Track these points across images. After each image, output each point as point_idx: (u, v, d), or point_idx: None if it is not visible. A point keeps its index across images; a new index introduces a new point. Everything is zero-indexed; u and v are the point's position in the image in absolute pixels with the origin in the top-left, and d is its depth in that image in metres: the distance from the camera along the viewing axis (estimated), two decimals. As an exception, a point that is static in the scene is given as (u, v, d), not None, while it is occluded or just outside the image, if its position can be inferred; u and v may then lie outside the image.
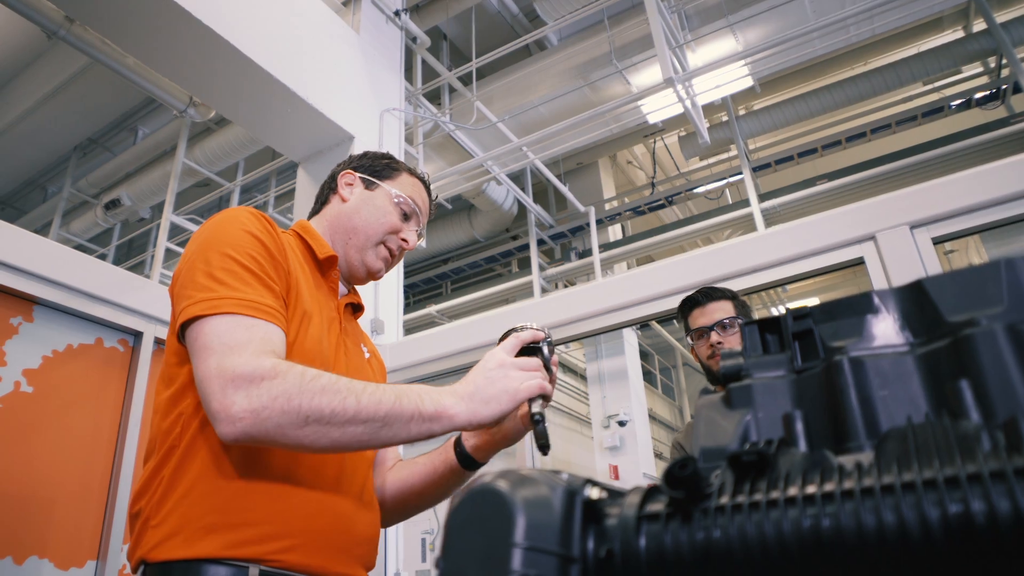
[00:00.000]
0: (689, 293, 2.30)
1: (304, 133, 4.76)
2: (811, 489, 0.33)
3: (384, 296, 4.62)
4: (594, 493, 0.39)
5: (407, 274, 9.50)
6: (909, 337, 0.48)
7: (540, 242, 8.32)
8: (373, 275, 1.46)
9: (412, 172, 1.54)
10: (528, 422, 1.20)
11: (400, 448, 1.54)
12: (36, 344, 3.04)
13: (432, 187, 1.61)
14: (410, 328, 7.40)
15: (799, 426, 0.43)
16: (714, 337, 2.10)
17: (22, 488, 2.82)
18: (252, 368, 1.01)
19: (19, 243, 3.01)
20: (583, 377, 9.55)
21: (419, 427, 1.06)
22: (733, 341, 2.07)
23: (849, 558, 0.31)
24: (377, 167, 1.51)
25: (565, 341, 3.88)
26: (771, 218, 7.00)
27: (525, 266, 8.89)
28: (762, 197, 7.07)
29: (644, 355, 10.43)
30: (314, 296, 1.30)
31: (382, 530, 1.36)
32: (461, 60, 7.22)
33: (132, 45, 4.08)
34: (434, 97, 7.14)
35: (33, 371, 2.98)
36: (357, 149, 4.76)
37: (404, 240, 1.46)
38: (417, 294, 10.23)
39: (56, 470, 2.94)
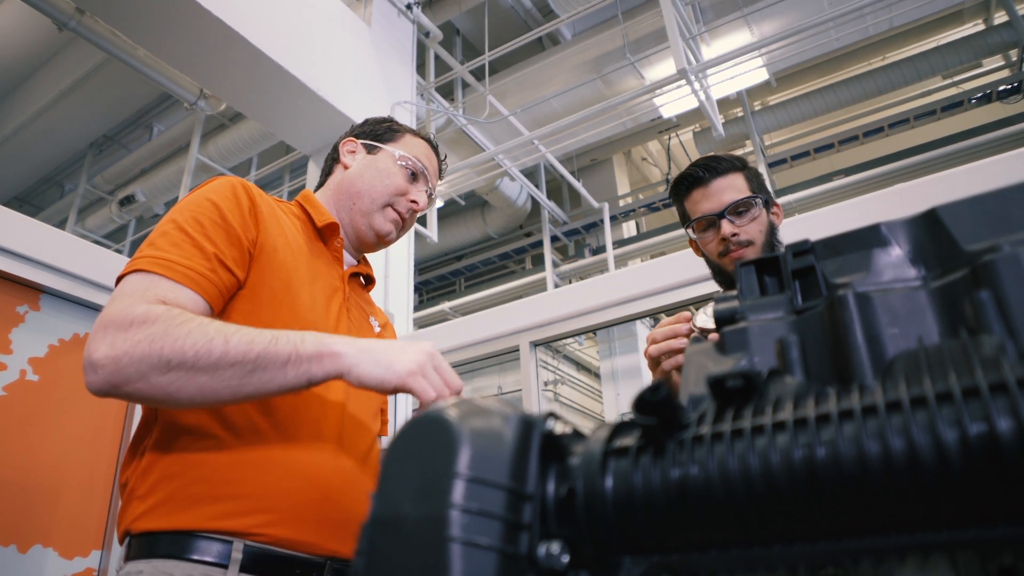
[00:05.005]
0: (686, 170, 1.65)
1: (314, 125, 4.74)
2: (803, 412, 0.28)
3: (394, 289, 4.59)
4: (557, 428, 0.34)
5: (420, 271, 9.49)
6: (922, 270, 0.43)
7: (554, 239, 8.27)
8: (382, 239, 1.40)
9: (416, 133, 1.48)
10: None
11: None
12: (42, 333, 3.02)
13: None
14: (423, 325, 7.38)
15: (795, 352, 0.38)
16: (726, 228, 1.52)
17: (27, 477, 2.80)
18: (124, 314, 0.95)
19: (26, 231, 3.00)
20: (596, 375, 9.49)
21: (296, 370, 0.96)
22: (752, 230, 1.52)
23: (849, 492, 0.26)
24: (379, 131, 1.46)
25: (576, 333, 3.83)
26: (788, 214, 6.91)
27: (539, 263, 8.83)
28: (778, 193, 6.98)
29: (658, 354, 10.32)
30: (310, 265, 1.25)
31: None
32: (474, 55, 7.18)
33: (142, 37, 4.07)
34: (447, 92, 7.10)
35: (39, 360, 2.97)
36: (367, 142, 4.74)
37: (413, 201, 1.40)
38: (431, 291, 10.21)
39: (61, 459, 2.93)
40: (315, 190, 1.46)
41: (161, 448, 1.08)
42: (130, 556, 1.05)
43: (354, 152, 1.44)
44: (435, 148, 1.50)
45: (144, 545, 1.03)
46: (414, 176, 1.41)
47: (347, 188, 1.39)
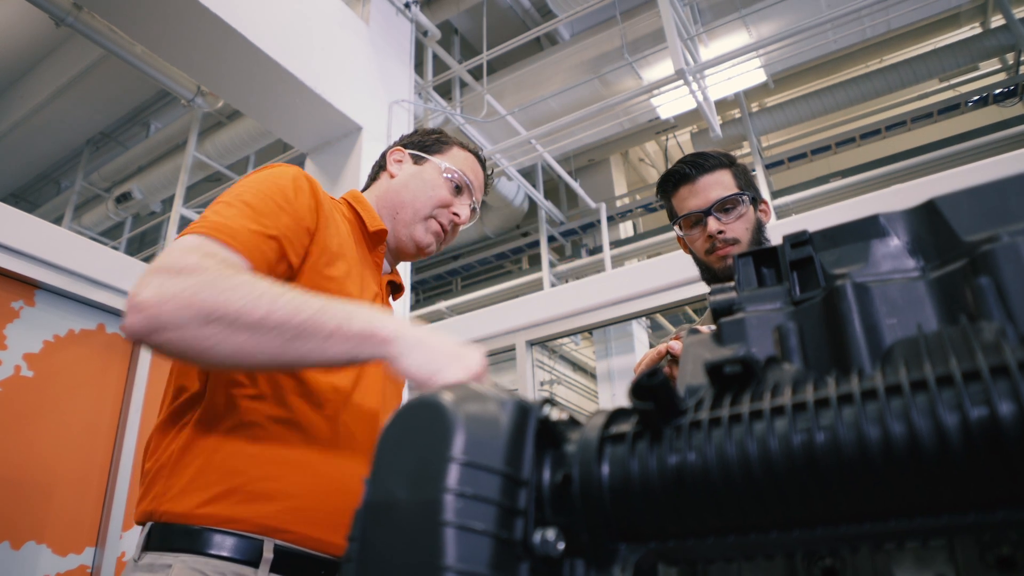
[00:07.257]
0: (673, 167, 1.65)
1: (312, 123, 4.73)
2: (802, 397, 0.28)
3: (390, 288, 4.58)
4: (553, 414, 0.33)
5: (417, 270, 9.48)
6: (921, 261, 0.42)
7: (551, 239, 8.26)
8: (422, 250, 1.40)
9: (464, 146, 1.48)
10: None
11: None
12: (37, 328, 3.01)
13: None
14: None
15: (793, 340, 0.38)
16: (713, 225, 1.50)
17: (20, 473, 2.79)
18: (175, 262, 0.91)
19: (22, 227, 2.99)
20: (592, 375, 9.49)
21: (340, 346, 0.91)
22: (738, 228, 1.51)
23: (848, 478, 0.26)
24: (427, 142, 1.46)
25: (572, 333, 3.83)
26: (785, 215, 6.91)
27: (535, 263, 8.83)
28: (775, 194, 6.98)
29: (654, 354, 10.31)
30: (358, 269, 1.25)
31: None
32: (472, 55, 7.17)
33: (140, 33, 4.06)
34: (445, 91, 7.10)
35: (34, 355, 2.96)
36: (365, 140, 4.73)
37: (456, 214, 1.40)
38: (427, 290, 10.20)
39: (55, 456, 2.92)
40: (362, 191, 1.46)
41: (204, 427, 1.05)
42: (152, 546, 1.01)
43: (401, 161, 1.44)
44: (482, 162, 1.50)
45: (169, 536, 1.00)
46: (459, 189, 1.42)
47: (391, 198, 1.39)
